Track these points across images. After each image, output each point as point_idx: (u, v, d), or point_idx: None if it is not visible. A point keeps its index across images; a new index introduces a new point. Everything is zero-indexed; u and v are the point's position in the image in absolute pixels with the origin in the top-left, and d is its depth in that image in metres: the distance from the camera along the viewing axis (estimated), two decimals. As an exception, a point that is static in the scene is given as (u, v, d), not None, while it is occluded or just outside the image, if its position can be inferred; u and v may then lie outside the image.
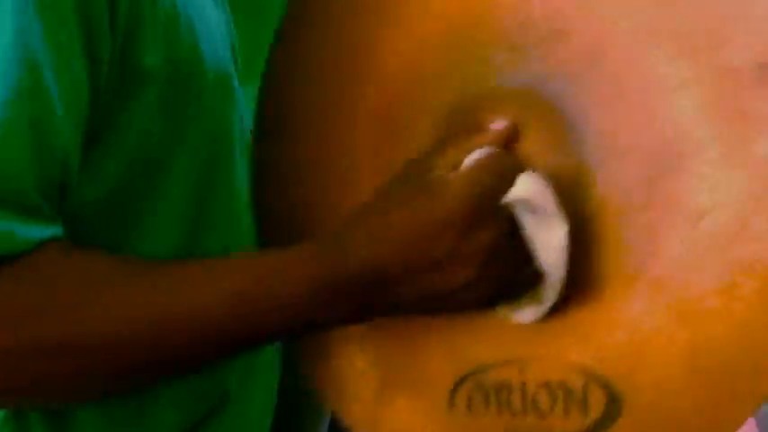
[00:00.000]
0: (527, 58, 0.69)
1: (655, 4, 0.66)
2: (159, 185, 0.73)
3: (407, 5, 0.75)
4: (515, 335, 0.69)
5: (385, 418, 0.74)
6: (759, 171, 0.62)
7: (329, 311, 0.66)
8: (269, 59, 0.82)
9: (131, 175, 0.71)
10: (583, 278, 0.67)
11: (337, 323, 0.69)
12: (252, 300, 0.65)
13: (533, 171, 0.65)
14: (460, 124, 0.70)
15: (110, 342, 0.64)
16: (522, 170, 0.65)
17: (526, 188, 0.65)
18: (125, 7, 0.65)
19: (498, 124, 0.68)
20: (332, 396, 0.78)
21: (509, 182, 0.64)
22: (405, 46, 0.75)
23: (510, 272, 0.65)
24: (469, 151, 0.66)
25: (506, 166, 0.65)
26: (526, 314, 0.68)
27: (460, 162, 0.66)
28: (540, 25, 0.69)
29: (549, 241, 0.65)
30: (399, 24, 0.75)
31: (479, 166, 0.65)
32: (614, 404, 0.66)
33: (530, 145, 0.68)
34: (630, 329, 0.66)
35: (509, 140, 0.68)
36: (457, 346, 0.71)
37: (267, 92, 0.82)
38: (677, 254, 0.65)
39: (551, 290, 0.66)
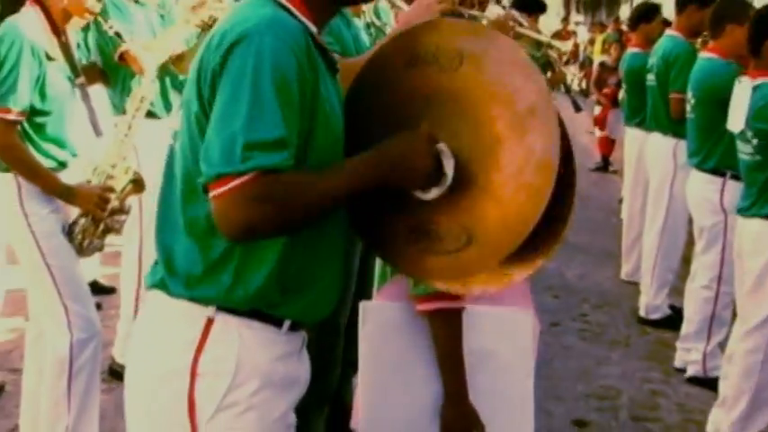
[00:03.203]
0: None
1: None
2: None
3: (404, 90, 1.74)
4: (428, 205, 1.66)
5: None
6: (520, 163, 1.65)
7: (377, 177, 1.65)
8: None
9: None
10: (458, 183, 1.65)
11: (380, 185, 1.67)
12: (356, 172, 1.64)
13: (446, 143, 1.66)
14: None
15: (319, 198, 1.62)
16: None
17: (445, 147, 1.65)
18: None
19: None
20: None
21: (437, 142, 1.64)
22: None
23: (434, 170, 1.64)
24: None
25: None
26: (431, 194, 1.65)
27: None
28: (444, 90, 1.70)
29: (449, 165, 1.63)
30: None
31: (425, 134, 1.65)
32: (470, 238, 1.63)
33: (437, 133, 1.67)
34: (474, 207, 1.63)
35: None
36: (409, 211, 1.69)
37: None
38: (499, 177, 1.64)
39: (446, 184, 1.64)
